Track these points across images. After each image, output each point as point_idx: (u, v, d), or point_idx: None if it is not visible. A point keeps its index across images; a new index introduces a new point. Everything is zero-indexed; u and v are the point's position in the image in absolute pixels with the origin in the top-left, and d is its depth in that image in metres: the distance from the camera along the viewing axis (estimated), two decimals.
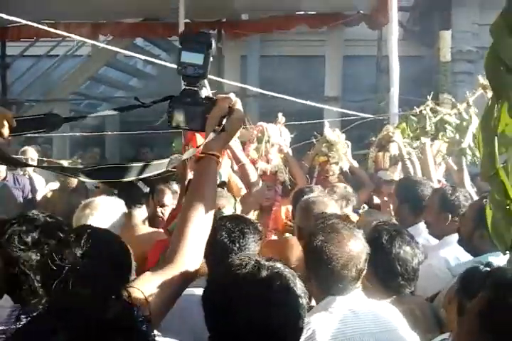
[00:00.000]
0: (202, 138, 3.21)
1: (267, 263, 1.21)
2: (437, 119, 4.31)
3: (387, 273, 1.99)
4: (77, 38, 4.04)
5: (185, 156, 1.53)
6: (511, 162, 1.01)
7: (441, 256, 2.46)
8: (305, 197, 2.70)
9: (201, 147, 1.42)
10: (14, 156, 1.26)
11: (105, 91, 11.20)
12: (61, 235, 1.54)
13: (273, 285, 1.17)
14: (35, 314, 0.76)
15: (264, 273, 1.18)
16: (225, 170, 3.36)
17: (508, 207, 0.99)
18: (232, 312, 1.15)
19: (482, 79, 3.87)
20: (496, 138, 1.03)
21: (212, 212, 1.37)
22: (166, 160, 1.48)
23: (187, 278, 1.29)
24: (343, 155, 4.25)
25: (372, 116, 5.48)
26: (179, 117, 1.44)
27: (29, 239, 1.54)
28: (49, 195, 4.85)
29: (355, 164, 4.29)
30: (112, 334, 0.71)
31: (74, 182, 4.74)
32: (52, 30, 5.67)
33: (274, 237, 3.53)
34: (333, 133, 4.37)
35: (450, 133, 4.24)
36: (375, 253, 1.86)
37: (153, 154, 8.22)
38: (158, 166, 1.47)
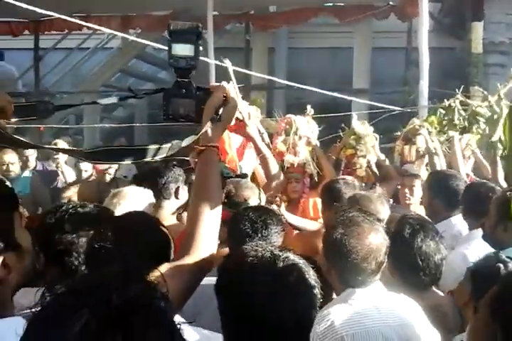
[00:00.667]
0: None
1: (281, 253, 1.22)
2: (469, 112, 4.24)
3: (408, 268, 1.98)
4: (107, 30, 4.13)
5: (184, 143, 1.53)
6: None
7: (459, 251, 2.44)
8: (351, 193, 2.69)
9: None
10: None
11: (134, 84, 11.33)
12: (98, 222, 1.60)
13: (288, 276, 1.18)
14: (58, 292, 0.77)
15: (280, 264, 1.19)
16: (250, 161, 3.36)
17: None
18: (246, 302, 1.16)
19: None
20: None
21: (219, 202, 1.40)
22: (168, 145, 1.46)
23: (203, 268, 1.32)
24: (371, 148, 4.22)
25: (400, 108, 5.43)
26: (174, 109, 1.44)
27: (70, 226, 1.60)
28: (80, 187, 4.90)
29: (382, 157, 4.26)
30: (132, 312, 0.73)
31: (107, 177, 4.78)
32: (83, 23, 5.79)
33: None
34: (361, 126, 4.33)
35: (483, 126, 4.16)
36: (397, 247, 1.86)
37: None
38: (160, 151, 1.45)
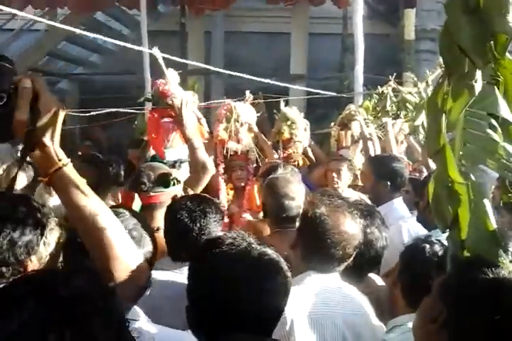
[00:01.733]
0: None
1: (257, 246, 1.22)
2: (399, 99, 4.35)
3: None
4: (29, 16, 3.82)
5: None
6: (458, 140, 1.00)
7: (395, 226, 2.49)
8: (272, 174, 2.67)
9: None
10: None
11: (65, 68, 10.83)
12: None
13: (263, 265, 1.19)
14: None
15: (255, 254, 1.19)
16: (180, 147, 3.24)
17: (449, 185, 1.00)
18: (220, 287, 1.15)
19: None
20: (443, 115, 1.03)
21: (114, 223, 1.14)
22: None
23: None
24: (304, 133, 4.27)
25: (336, 94, 5.48)
26: None
27: None
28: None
29: (312, 142, 4.34)
30: (79, 305, 0.76)
31: None
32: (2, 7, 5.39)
33: (247, 216, 3.51)
34: (291, 111, 4.37)
35: (411, 112, 4.29)
36: None
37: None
38: None
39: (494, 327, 0.99)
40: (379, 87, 4.58)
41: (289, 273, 1.23)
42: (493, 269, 1.02)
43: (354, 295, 1.75)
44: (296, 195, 2.37)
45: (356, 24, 5.55)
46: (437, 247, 1.66)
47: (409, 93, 4.35)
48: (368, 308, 1.75)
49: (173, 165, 3.09)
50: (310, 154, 4.27)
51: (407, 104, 4.33)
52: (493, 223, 0.97)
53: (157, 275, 1.79)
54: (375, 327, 1.74)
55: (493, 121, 0.99)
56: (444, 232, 1.04)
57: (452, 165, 0.95)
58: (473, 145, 0.97)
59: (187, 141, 2.86)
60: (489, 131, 0.98)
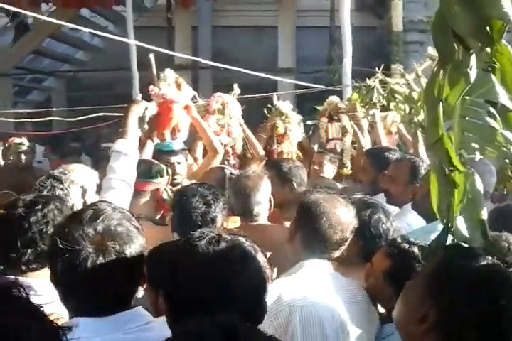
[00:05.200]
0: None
1: (228, 236, 1.21)
2: (387, 91, 4.34)
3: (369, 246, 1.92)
4: (14, 9, 3.77)
5: None
6: (455, 129, 0.98)
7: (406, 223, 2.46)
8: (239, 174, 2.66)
9: None
10: None
11: (50, 65, 10.70)
12: None
13: (232, 256, 1.17)
14: None
15: (223, 245, 1.18)
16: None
17: (448, 174, 0.98)
18: (193, 284, 1.14)
19: (431, 50, 3.90)
20: (440, 104, 1.01)
21: None
22: None
23: None
24: (297, 126, 4.28)
25: (325, 87, 5.46)
26: None
27: None
28: None
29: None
30: None
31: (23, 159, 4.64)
32: None
33: None
34: (285, 105, 4.37)
35: (401, 103, 4.28)
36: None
37: None
38: None
39: (494, 327, 0.95)
40: (367, 79, 4.56)
41: (262, 259, 1.21)
42: (490, 258, 1.00)
43: (350, 283, 1.78)
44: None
45: (343, 16, 5.52)
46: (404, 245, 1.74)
47: (397, 83, 4.34)
48: (364, 296, 1.78)
49: (177, 152, 3.21)
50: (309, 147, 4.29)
51: (396, 95, 4.33)
52: (484, 214, 0.96)
53: None
54: (371, 315, 1.77)
55: (492, 109, 0.97)
56: (442, 223, 1.01)
57: (453, 153, 0.93)
58: (471, 134, 0.95)
59: (199, 127, 3.21)
60: (488, 118, 0.95)
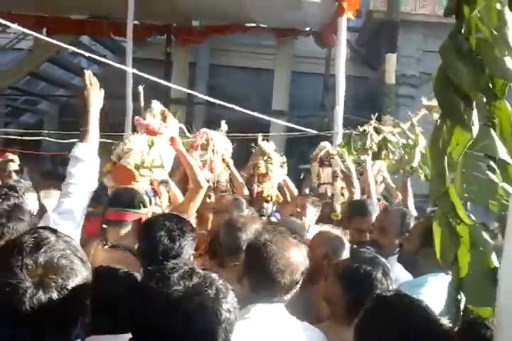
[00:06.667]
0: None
1: (201, 271, 1.18)
2: (380, 138, 4.42)
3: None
4: (19, 28, 3.82)
5: None
6: (458, 181, 1.00)
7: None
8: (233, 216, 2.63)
9: None
10: None
11: (45, 89, 10.74)
12: None
13: (200, 293, 1.13)
14: None
15: (195, 280, 1.14)
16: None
17: (454, 226, 0.99)
18: (155, 316, 1.11)
19: (426, 101, 4.02)
20: (445, 158, 1.02)
21: None
22: None
23: None
24: (279, 168, 4.30)
25: (316, 132, 5.53)
26: None
27: None
28: None
29: (289, 180, 4.36)
30: None
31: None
32: None
33: None
34: (268, 145, 4.40)
35: (394, 153, 4.35)
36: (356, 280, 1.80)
37: None
38: None
39: None
40: (359, 127, 4.65)
41: (232, 301, 1.17)
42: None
43: (300, 329, 1.69)
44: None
45: (339, 65, 5.67)
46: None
47: (391, 132, 4.43)
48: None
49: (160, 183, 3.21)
50: (290, 189, 4.27)
51: (388, 144, 4.40)
52: (494, 261, 0.95)
53: None
54: None
55: (492, 163, 0.98)
56: (447, 274, 1.01)
57: (459, 206, 0.94)
58: (474, 187, 0.96)
59: (184, 160, 3.16)
60: (488, 172, 0.97)
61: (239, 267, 1.79)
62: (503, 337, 0.85)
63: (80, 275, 1.19)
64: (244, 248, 2.20)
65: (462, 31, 1.06)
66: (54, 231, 1.25)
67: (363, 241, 2.89)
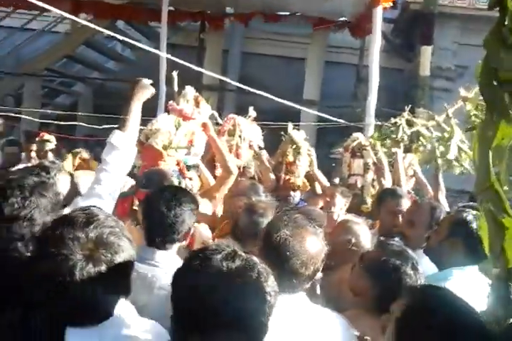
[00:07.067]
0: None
1: (243, 254, 1.19)
2: (412, 131, 4.37)
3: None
4: (57, 11, 3.91)
5: None
6: (503, 174, 1.00)
7: None
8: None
9: None
10: None
11: (80, 71, 10.93)
12: None
13: (243, 276, 1.15)
14: None
15: (237, 263, 1.15)
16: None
17: (500, 219, 1.00)
18: (197, 296, 1.12)
19: (464, 92, 3.94)
20: (490, 151, 1.03)
21: None
22: None
23: None
24: (307, 157, 4.28)
25: (348, 122, 5.50)
26: None
27: None
28: None
29: (319, 172, 4.33)
30: None
31: None
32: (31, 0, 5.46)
33: None
34: (298, 134, 4.38)
35: (425, 147, 4.30)
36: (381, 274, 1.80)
37: None
38: None
39: None
40: (391, 118, 4.60)
41: (272, 284, 1.19)
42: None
43: (324, 316, 1.69)
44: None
45: (372, 56, 5.60)
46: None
47: (424, 125, 4.37)
48: (338, 330, 1.67)
49: (189, 168, 3.26)
50: (319, 179, 4.26)
51: (420, 138, 4.35)
52: None
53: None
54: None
55: None
56: (495, 267, 1.02)
57: (505, 200, 0.96)
58: None
59: (215, 146, 3.19)
60: None
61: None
62: None
63: (127, 252, 1.25)
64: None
65: (506, 24, 1.06)
66: (101, 210, 1.32)
67: (391, 232, 2.89)
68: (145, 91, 2.20)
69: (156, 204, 2.05)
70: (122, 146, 2.02)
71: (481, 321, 1.03)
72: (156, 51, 5.17)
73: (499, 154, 0.99)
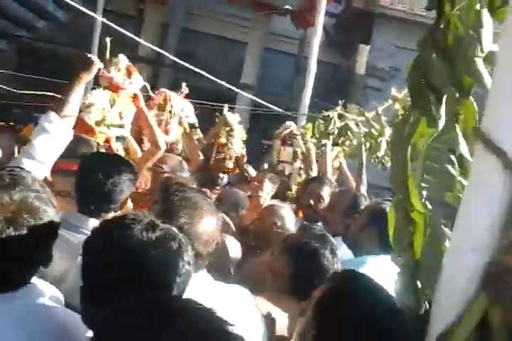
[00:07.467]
0: None
1: (162, 224, 1.17)
2: (342, 125, 4.49)
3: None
4: None
5: None
6: (418, 171, 1.04)
7: None
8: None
9: None
10: None
11: (7, 28, 10.21)
12: None
13: (164, 246, 1.13)
14: None
15: (158, 233, 1.14)
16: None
17: (408, 213, 1.03)
18: (115, 265, 1.10)
19: (395, 92, 4.11)
20: (409, 147, 1.06)
21: None
22: None
23: None
24: (239, 141, 4.29)
25: (283, 111, 5.55)
26: None
27: None
28: None
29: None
30: None
31: None
32: None
33: None
34: (233, 117, 4.38)
35: (351, 141, 4.44)
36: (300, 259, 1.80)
37: None
38: None
39: None
40: (323, 111, 4.70)
41: (191, 254, 1.19)
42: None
43: (228, 292, 1.66)
44: None
45: (312, 48, 5.67)
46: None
47: (354, 120, 4.51)
48: (242, 305, 1.65)
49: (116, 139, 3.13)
50: (248, 167, 4.29)
51: (348, 132, 4.48)
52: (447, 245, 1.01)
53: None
54: (250, 329, 1.63)
55: (452, 156, 1.03)
56: (399, 256, 1.06)
57: (415, 195, 0.99)
58: (432, 178, 1.01)
59: (144, 119, 3.02)
60: (448, 165, 1.01)
61: None
62: (434, 329, 0.89)
63: (52, 219, 1.18)
64: None
65: (441, 26, 1.09)
66: (29, 172, 1.23)
67: (313, 217, 2.96)
68: (91, 69, 2.03)
69: (93, 172, 1.94)
70: (54, 129, 1.86)
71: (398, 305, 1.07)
72: (91, 13, 4.91)
73: (416, 151, 1.03)
